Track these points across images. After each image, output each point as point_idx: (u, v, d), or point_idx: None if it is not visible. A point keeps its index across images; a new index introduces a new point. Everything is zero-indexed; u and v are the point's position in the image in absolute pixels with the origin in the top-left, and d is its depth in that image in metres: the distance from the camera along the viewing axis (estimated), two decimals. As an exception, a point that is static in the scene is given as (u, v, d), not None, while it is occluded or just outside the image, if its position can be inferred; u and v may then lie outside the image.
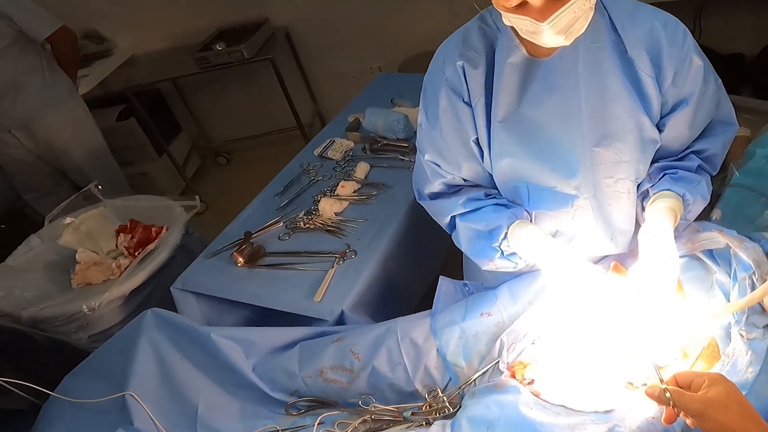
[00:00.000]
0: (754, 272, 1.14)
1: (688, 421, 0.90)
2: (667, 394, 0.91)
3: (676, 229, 1.17)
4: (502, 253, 1.30)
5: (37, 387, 1.33)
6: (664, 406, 0.93)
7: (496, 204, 1.33)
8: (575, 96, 1.14)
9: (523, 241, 1.25)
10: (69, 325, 2.00)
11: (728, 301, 1.19)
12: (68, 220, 2.37)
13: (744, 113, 1.31)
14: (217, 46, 3.41)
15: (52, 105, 2.81)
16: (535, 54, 1.15)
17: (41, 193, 3.10)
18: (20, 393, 1.36)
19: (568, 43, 1.05)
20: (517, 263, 1.32)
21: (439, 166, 1.33)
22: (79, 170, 3.01)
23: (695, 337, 1.13)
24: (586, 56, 1.12)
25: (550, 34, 1.00)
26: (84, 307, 1.96)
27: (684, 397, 0.89)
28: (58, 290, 2.18)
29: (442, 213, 1.38)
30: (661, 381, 0.94)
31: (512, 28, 1.10)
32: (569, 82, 1.14)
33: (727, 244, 1.22)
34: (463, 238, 1.37)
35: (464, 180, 1.35)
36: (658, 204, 1.19)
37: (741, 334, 1.10)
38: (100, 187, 2.40)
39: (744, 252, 1.17)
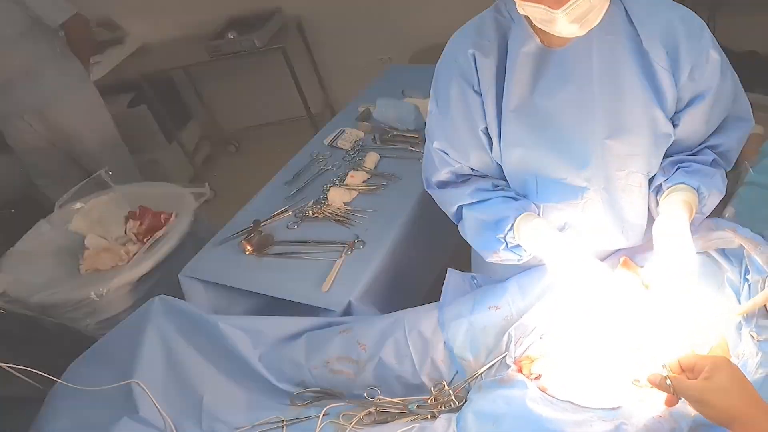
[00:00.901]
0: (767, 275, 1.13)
1: (692, 407, 0.90)
2: (668, 381, 0.90)
3: (691, 224, 1.15)
4: (507, 244, 1.29)
5: (43, 373, 1.33)
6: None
7: (505, 196, 1.31)
8: (588, 87, 1.13)
9: (529, 234, 1.24)
10: (77, 311, 2.01)
11: (739, 299, 1.18)
12: (78, 205, 2.37)
13: (758, 111, 1.29)
14: (229, 34, 3.41)
15: (65, 91, 2.80)
16: (549, 44, 1.13)
17: (53, 179, 3.09)
18: (26, 379, 1.36)
19: (582, 32, 1.04)
20: (521, 256, 1.31)
21: (447, 154, 1.32)
22: (90, 156, 3.00)
23: (704, 336, 1.12)
24: (600, 48, 1.11)
25: (564, 23, 0.99)
26: (92, 293, 1.97)
27: (684, 384, 0.88)
28: (67, 276, 2.18)
29: (449, 202, 1.38)
30: (663, 367, 0.93)
31: (526, 17, 1.09)
32: (583, 74, 1.12)
33: (741, 244, 1.20)
34: (468, 228, 1.36)
35: (472, 170, 1.35)
36: (672, 197, 1.17)
37: (752, 336, 1.08)
38: (110, 173, 2.40)
39: (759, 255, 1.16)
